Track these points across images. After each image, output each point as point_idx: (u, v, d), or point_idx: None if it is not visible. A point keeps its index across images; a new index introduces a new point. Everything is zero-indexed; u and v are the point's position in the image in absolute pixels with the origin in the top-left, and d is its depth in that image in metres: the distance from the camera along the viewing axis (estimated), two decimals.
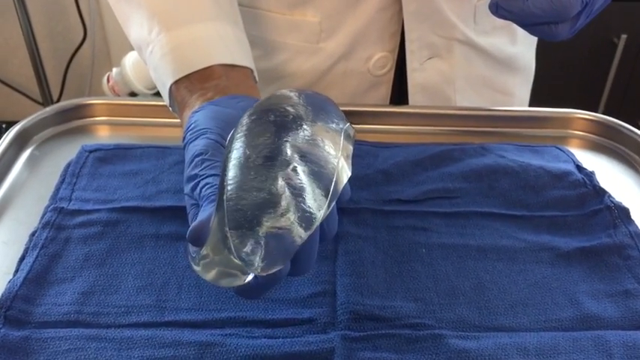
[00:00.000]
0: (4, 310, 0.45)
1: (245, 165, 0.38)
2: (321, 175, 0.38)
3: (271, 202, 0.36)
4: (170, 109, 0.55)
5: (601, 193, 0.58)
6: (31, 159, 0.64)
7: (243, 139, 0.39)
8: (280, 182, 0.37)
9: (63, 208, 0.55)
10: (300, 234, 0.36)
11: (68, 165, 0.60)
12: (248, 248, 0.35)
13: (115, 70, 1.56)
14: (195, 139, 0.44)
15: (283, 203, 0.36)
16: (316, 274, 0.50)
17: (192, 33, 0.53)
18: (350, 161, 0.41)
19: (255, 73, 0.56)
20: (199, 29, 0.54)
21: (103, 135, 0.69)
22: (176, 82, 0.52)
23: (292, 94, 0.44)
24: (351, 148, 0.42)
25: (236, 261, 0.36)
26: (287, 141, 0.39)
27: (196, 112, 0.48)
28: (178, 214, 0.54)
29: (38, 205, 0.56)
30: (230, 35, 0.55)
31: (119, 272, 0.49)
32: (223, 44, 0.54)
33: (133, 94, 1.55)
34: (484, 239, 0.54)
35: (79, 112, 0.69)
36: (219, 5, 0.56)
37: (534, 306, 0.48)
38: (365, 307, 0.47)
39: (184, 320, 0.46)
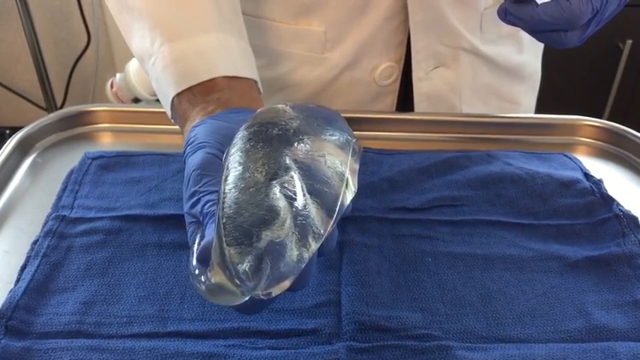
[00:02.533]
0: (5, 320, 0.45)
1: (242, 181, 0.36)
2: (324, 194, 0.37)
3: (271, 219, 0.35)
4: (172, 120, 0.54)
5: (609, 201, 0.57)
6: (33, 166, 0.63)
7: (239, 154, 0.38)
8: (280, 199, 0.36)
9: (65, 216, 0.54)
10: (302, 254, 0.35)
11: (71, 172, 0.60)
12: (246, 265, 0.34)
13: (118, 75, 1.56)
14: (194, 153, 0.44)
15: (283, 221, 0.35)
16: (321, 284, 0.49)
17: (195, 44, 0.53)
18: (356, 178, 0.40)
19: (260, 84, 0.56)
20: (202, 41, 0.53)
21: (106, 142, 0.68)
22: (178, 95, 0.51)
23: (288, 107, 0.43)
24: (356, 165, 0.41)
25: (235, 282, 0.34)
26: (287, 155, 0.38)
27: (196, 126, 0.47)
28: (181, 222, 0.53)
29: (40, 213, 0.55)
30: (234, 46, 0.54)
31: (121, 281, 0.49)
32: (226, 56, 0.53)
33: (136, 100, 1.55)
34: (491, 248, 0.53)
35: (81, 119, 0.69)
36: (222, 16, 0.55)
37: (542, 316, 0.47)
38: (370, 317, 0.46)
39: (187, 331, 0.45)
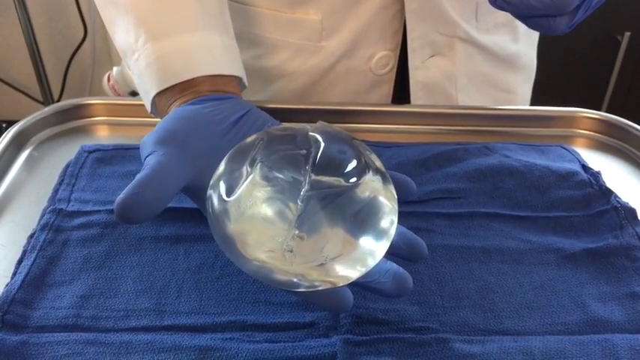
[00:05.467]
0: (2, 314, 0.45)
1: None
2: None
3: None
4: (152, 114, 0.57)
5: (607, 193, 0.57)
6: (29, 160, 0.63)
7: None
8: None
9: (62, 209, 0.54)
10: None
11: (67, 166, 0.60)
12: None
13: (115, 69, 1.56)
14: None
15: None
16: None
17: (179, 43, 0.54)
18: None
19: (245, 79, 0.57)
20: (186, 40, 0.54)
21: (103, 135, 0.68)
22: (159, 93, 0.53)
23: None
24: None
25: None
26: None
27: (167, 116, 0.49)
28: (178, 215, 0.53)
29: (37, 207, 0.55)
30: (217, 45, 0.55)
31: (118, 275, 0.49)
32: (210, 55, 0.54)
33: (133, 93, 1.54)
34: (489, 240, 0.53)
35: (78, 112, 0.69)
36: (207, 13, 0.56)
37: (540, 309, 0.47)
38: (368, 310, 0.46)
39: (184, 324, 0.45)
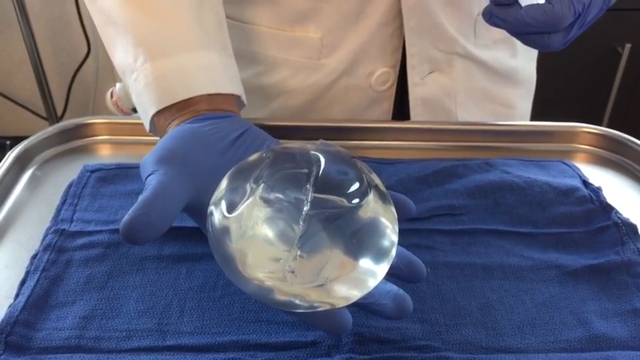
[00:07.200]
0: (5, 335, 0.45)
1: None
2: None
3: None
4: (151, 133, 0.57)
5: (608, 209, 0.57)
6: (32, 179, 0.63)
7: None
8: None
9: (64, 229, 0.54)
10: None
11: (70, 185, 0.60)
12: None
13: (118, 85, 1.57)
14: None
15: None
16: None
17: (177, 63, 0.54)
18: None
19: (244, 97, 0.58)
20: (184, 59, 0.55)
21: (105, 154, 0.68)
22: (158, 112, 0.54)
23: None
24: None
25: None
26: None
27: (166, 135, 0.50)
28: (180, 234, 0.53)
29: (40, 227, 0.55)
30: (216, 64, 0.56)
31: (120, 295, 0.49)
32: (209, 74, 0.55)
33: (136, 110, 1.55)
34: (490, 257, 0.53)
35: (80, 131, 0.69)
36: (205, 32, 0.57)
37: (542, 326, 0.47)
38: (370, 329, 0.46)
39: (186, 344, 0.45)
